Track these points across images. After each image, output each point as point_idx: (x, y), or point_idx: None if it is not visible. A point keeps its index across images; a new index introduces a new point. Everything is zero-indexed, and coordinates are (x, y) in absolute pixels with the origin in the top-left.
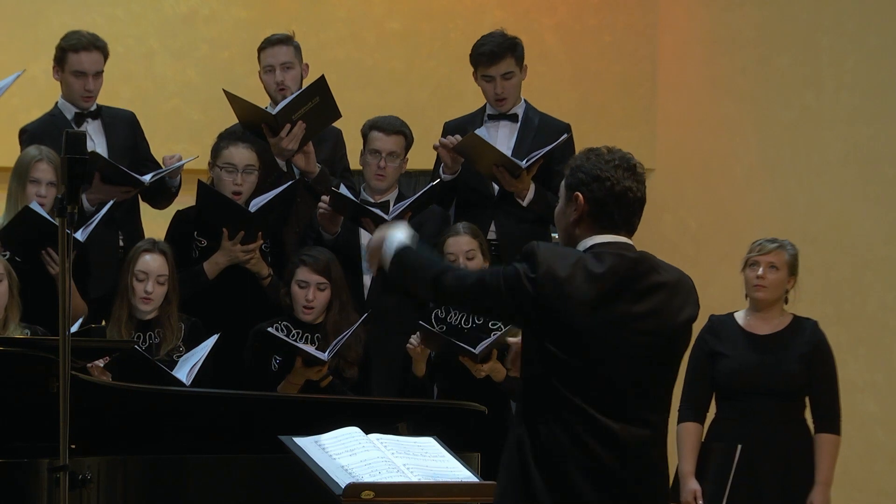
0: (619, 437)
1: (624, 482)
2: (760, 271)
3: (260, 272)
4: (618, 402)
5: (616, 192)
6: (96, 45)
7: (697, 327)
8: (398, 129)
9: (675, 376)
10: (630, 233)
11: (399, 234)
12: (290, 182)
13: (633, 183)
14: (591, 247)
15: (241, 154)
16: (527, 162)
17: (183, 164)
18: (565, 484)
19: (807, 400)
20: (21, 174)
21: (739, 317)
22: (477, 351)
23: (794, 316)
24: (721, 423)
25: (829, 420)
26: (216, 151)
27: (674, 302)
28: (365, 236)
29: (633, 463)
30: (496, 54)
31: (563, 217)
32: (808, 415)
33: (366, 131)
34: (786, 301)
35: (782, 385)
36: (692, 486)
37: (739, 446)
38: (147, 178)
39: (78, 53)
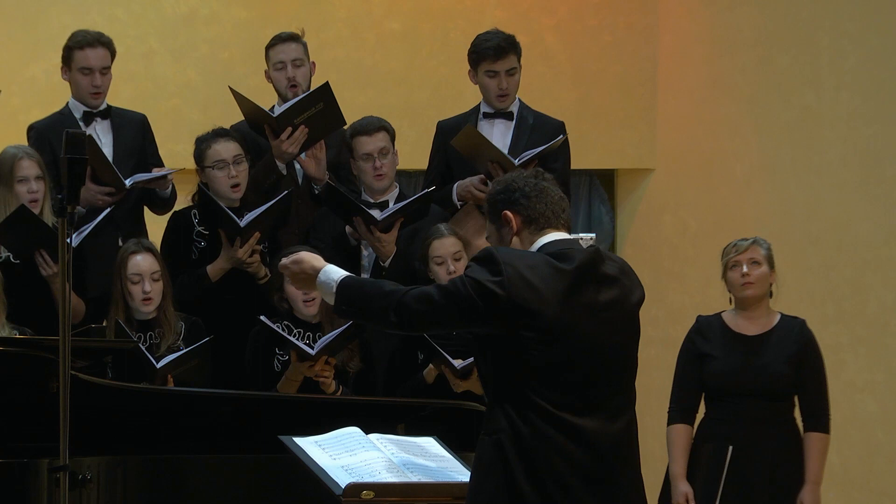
0: (594, 433)
1: (604, 477)
2: (745, 269)
3: (256, 273)
4: (592, 396)
5: (537, 190)
6: (101, 42)
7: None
8: (379, 125)
9: (636, 363)
10: (567, 229)
11: (332, 266)
12: (283, 193)
13: (547, 184)
14: (542, 247)
15: (227, 147)
16: (520, 161)
17: (170, 176)
18: (552, 485)
19: (796, 399)
20: (5, 176)
21: (727, 317)
22: (458, 367)
23: (781, 315)
24: (710, 424)
25: (818, 419)
26: (200, 155)
27: (626, 288)
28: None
29: (609, 457)
30: (503, 49)
31: (500, 245)
32: (797, 414)
33: (349, 140)
34: (770, 295)
35: (771, 385)
36: (684, 487)
37: (731, 447)
38: (128, 181)
39: (83, 50)
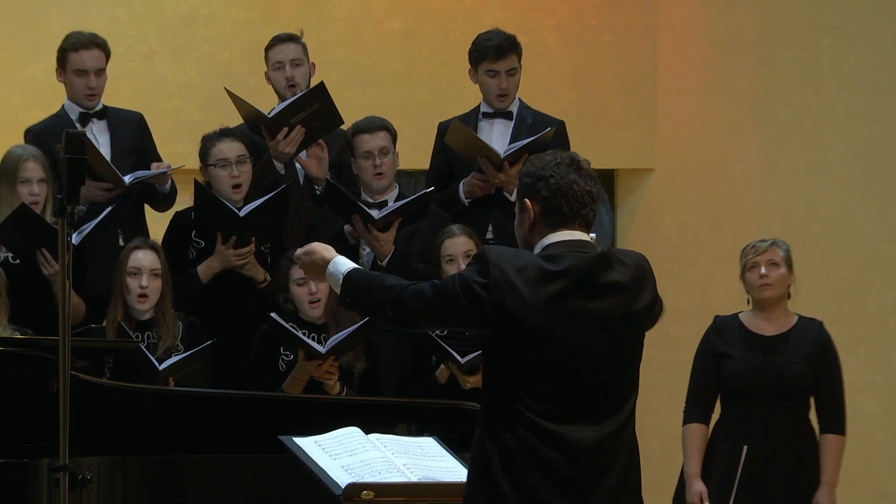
0: (573, 441)
1: (582, 484)
2: (763, 270)
3: (255, 277)
4: (573, 403)
5: (561, 185)
6: (95, 43)
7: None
8: (380, 125)
9: (637, 370)
10: (585, 227)
11: (342, 258)
12: (282, 186)
13: (577, 177)
14: (546, 247)
15: (231, 147)
16: (505, 154)
17: (169, 171)
18: (528, 489)
19: (811, 401)
20: (8, 175)
21: (744, 318)
22: (463, 361)
23: (798, 316)
24: (726, 424)
25: (835, 421)
26: (204, 153)
27: (631, 296)
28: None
29: (588, 464)
30: (504, 49)
31: (519, 228)
32: (813, 415)
33: (350, 138)
34: (788, 297)
35: (788, 386)
36: (698, 487)
37: (746, 447)
38: (128, 178)
39: (78, 52)
